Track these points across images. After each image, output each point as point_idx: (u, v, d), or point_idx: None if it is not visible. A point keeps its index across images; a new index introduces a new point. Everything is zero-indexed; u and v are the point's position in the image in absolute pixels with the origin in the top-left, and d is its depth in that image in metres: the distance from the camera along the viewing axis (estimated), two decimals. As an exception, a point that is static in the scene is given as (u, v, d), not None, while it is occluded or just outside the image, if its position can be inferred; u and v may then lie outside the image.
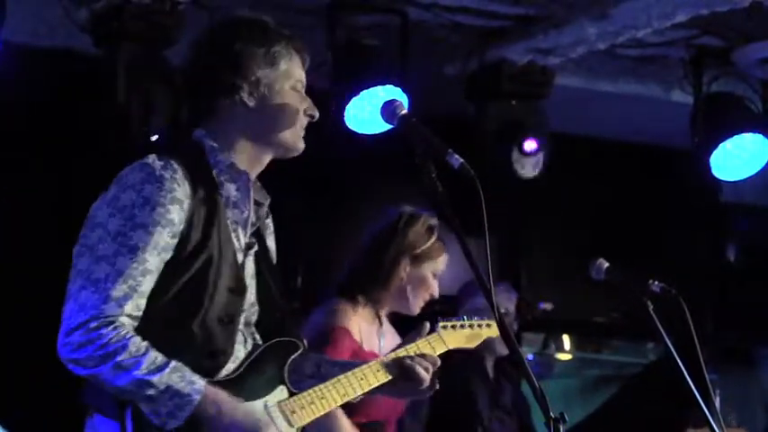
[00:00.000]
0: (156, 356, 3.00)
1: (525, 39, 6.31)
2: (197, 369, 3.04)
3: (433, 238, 4.52)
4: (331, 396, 3.29)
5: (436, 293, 4.59)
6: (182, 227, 3.07)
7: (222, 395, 3.04)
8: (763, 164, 6.67)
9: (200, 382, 3.01)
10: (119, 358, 2.96)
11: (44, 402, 5.48)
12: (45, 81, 5.93)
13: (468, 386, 5.32)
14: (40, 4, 5.83)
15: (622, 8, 5.87)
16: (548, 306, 7.46)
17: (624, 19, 5.94)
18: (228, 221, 3.19)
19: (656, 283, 4.24)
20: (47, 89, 5.96)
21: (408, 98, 5.82)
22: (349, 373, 3.37)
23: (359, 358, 4.38)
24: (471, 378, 5.33)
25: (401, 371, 3.48)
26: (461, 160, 2.97)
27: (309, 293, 6.09)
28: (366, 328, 4.47)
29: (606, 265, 4.35)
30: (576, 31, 6.12)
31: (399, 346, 3.66)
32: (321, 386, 3.29)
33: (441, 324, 3.84)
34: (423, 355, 3.52)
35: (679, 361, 4.04)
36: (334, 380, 3.32)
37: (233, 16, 3.32)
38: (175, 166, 3.09)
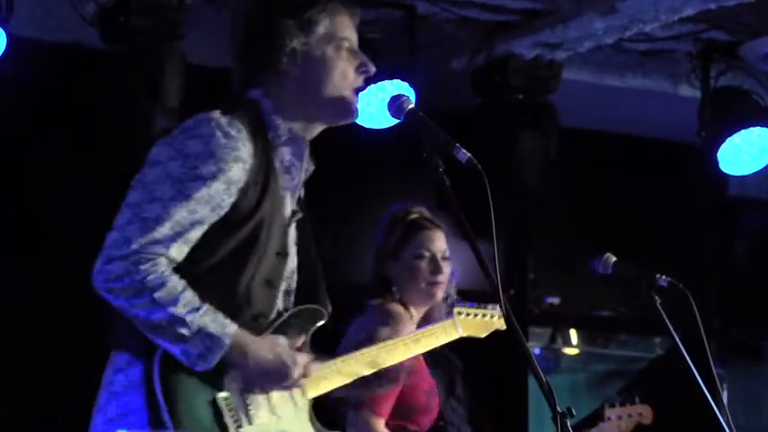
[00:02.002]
0: (192, 296, 3.00)
1: (532, 33, 6.30)
2: None
3: (401, 229, 4.39)
4: (351, 368, 3.27)
5: (441, 271, 4.33)
6: (240, 186, 3.07)
7: (250, 338, 3.04)
8: (771, 158, 6.66)
9: (231, 327, 3.01)
10: (156, 294, 2.96)
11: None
12: (52, 75, 5.93)
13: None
14: (47, -1, 5.85)
15: (630, 2, 5.86)
16: (555, 300, 7.46)
17: (631, 13, 5.94)
18: (280, 187, 3.19)
19: (664, 277, 4.24)
20: (54, 83, 5.96)
21: (415, 93, 5.82)
22: (381, 345, 3.39)
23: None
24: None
25: None
26: (469, 155, 2.97)
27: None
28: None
29: (613, 259, 4.35)
30: (584, 25, 6.11)
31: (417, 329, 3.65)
32: (344, 357, 3.29)
33: (456, 310, 3.81)
34: None
35: (686, 355, 4.04)
36: (358, 353, 3.32)
37: None
38: (239, 125, 3.09)
